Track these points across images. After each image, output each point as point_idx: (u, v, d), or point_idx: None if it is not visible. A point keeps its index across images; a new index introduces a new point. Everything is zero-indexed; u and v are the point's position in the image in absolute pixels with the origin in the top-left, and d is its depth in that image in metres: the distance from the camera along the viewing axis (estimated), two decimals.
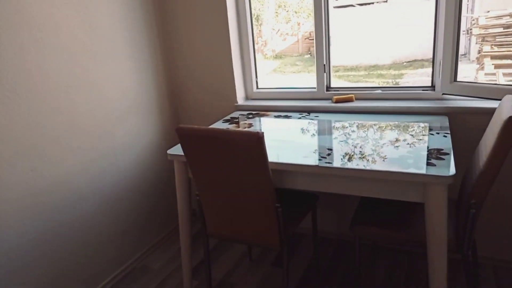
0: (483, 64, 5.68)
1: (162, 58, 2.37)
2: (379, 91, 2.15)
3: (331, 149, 1.58)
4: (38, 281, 1.71)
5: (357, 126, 1.85)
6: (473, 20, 6.31)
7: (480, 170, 1.40)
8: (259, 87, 2.47)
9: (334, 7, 10.17)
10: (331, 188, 1.49)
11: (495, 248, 1.99)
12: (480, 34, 5.91)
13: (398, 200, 1.47)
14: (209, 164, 1.49)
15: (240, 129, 1.36)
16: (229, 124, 2.08)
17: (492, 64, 5.55)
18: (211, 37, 2.30)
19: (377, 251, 2.19)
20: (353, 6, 9.91)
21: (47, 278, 1.75)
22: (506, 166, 1.86)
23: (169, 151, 1.71)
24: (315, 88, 2.28)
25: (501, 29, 5.57)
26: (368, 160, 1.44)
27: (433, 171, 1.30)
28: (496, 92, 1.74)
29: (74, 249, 1.87)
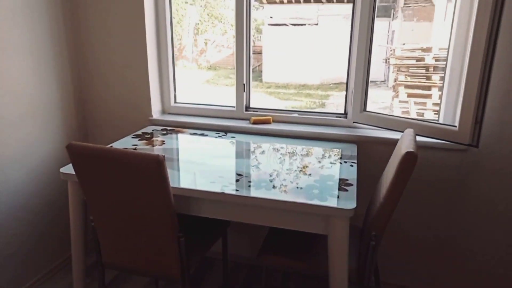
0: (398, 92, 6.15)
1: (69, 58, 2.15)
2: (295, 114, 2.16)
3: (241, 175, 1.52)
4: None
5: (271, 150, 1.83)
6: (391, 50, 6.84)
7: (380, 203, 1.43)
8: (177, 101, 2.36)
9: (269, 24, 10.44)
10: (237, 217, 1.43)
11: (398, 275, 2.08)
12: (396, 64, 6.41)
13: None
14: (104, 187, 1.34)
15: (139, 150, 1.24)
16: (138, 140, 1.93)
17: (406, 93, 6.04)
18: (127, 42, 2.14)
19: (288, 276, 2.17)
20: (287, 25, 10.25)
21: None
22: (405, 197, 1.96)
23: (62, 170, 1.52)
24: (234, 107, 2.23)
25: (414, 61, 6.09)
26: (276, 188, 1.40)
27: (335, 203, 1.30)
28: (400, 125, 1.83)
29: None
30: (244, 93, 2.19)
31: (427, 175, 1.90)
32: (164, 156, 1.25)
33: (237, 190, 1.38)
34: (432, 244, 1.99)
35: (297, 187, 1.42)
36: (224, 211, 1.43)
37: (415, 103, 5.93)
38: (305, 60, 9.60)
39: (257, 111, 2.22)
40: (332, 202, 1.30)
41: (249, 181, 1.46)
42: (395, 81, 6.39)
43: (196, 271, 2.18)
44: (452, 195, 1.90)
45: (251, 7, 2.10)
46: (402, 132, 1.82)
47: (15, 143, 1.86)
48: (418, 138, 1.86)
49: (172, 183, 1.42)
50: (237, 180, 1.47)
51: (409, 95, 6.10)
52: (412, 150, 1.33)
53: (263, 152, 1.81)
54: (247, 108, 2.24)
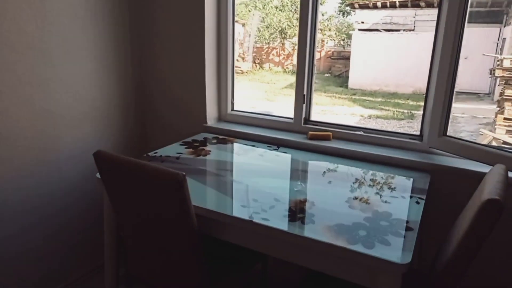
0: (503, 107, 5.33)
1: (130, 61, 2.16)
2: (360, 132, 1.89)
3: (278, 200, 1.33)
4: None
5: (322, 173, 1.60)
6: (498, 61, 5.96)
7: (448, 258, 1.12)
8: (234, 109, 2.24)
9: (359, 29, 9.94)
10: (267, 250, 1.24)
11: None
12: (503, 76, 5.56)
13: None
14: (126, 198, 1.26)
15: (162, 167, 1.13)
16: (185, 147, 1.85)
17: None
18: (186, 47, 2.08)
19: None
20: (379, 31, 9.65)
21: None
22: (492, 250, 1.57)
23: (98, 175, 1.49)
24: (292, 119, 2.04)
25: None
26: (314, 223, 1.18)
27: (383, 253, 1.04)
28: (488, 157, 1.47)
29: None
30: (304, 105, 1.98)
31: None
32: (184, 175, 1.11)
33: (266, 220, 1.19)
34: None
35: (341, 224, 1.18)
36: (253, 240, 1.25)
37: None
38: (397, 67, 8.93)
39: (317, 125, 2.00)
40: (379, 251, 1.04)
41: (286, 210, 1.26)
42: (500, 95, 5.56)
43: None
44: None
45: (318, 11, 1.88)
46: (490, 165, 1.45)
47: (72, 142, 1.91)
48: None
49: (199, 202, 1.28)
50: (272, 207, 1.28)
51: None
52: (496, 197, 1.00)
53: (312, 173, 1.59)
54: (306, 121, 2.03)
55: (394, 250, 1.05)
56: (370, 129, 1.90)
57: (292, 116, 2.04)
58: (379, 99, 8.74)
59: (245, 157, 1.77)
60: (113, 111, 2.11)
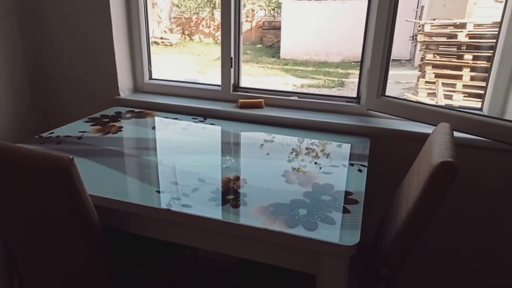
0: (424, 71, 5.55)
1: (17, 20, 1.75)
2: (295, 97, 1.71)
3: (203, 180, 1.10)
4: None
5: (255, 145, 1.40)
6: (419, 26, 6.16)
7: (396, 230, 0.99)
8: (152, 77, 1.94)
9: None
10: (192, 242, 1.02)
11: None
12: (424, 41, 5.76)
13: None
14: (5, 197, 0.96)
15: (43, 149, 0.84)
16: (91, 124, 1.54)
17: (433, 73, 5.44)
18: (87, 11, 1.72)
19: None
20: (309, 0, 9.57)
21: None
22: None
23: None
24: (220, 86, 1.80)
25: (444, 39, 5.47)
26: (246, 205, 0.98)
27: (327, 235, 0.87)
28: (430, 116, 1.37)
29: None
30: (232, 69, 1.75)
31: (468, 182, 1.44)
32: (72, 159, 0.84)
33: (188, 207, 0.97)
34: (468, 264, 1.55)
35: (277, 203, 0.99)
36: (173, 232, 1.03)
37: (443, 84, 5.35)
38: (326, 36, 8.96)
39: (248, 92, 1.78)
40: (322, 233, 0.88)
41: (212, 192, 1.04)
42: (422, 60, 5.79)
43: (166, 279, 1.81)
44: (501, 207, 1.44)
45: None
46: (433, 125, 1.36)
47: None
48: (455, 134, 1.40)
49: (101, 191, 1.02)
50: (195, 189, 1.05)
51: (437, 76, 5.51)
52: (449, 159, 0.87)
53: (243, 146, 1.39)
54: (236, 87, 1.80)
55: (340, 229, 0.89)
56: (305, 93, 1.73)
57: (219, 83, 1.80)
58: (310, 69, 8.77)
59: (165, 131, 1.51)
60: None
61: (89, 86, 1.86)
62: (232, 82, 1.77)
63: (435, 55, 5.51)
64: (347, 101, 1.66)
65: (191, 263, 1.60)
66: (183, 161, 1.23)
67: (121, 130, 1.48)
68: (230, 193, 1.04)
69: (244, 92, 1.78)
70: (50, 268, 1.07)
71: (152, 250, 1.28)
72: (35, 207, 0.92)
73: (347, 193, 1.06)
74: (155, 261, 1.23)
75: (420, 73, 5.65)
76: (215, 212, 0.95)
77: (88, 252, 0.98)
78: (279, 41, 9.96)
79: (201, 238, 1.00)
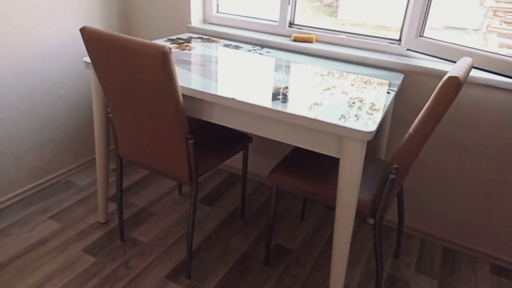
0: (487, 40, 5.36)
1: None
2: (343, 36, 1.94)
3: (259, 85, 1.41)
4: None
5: (302, 68, 1.67)
6: None
7: (408, 134, 1.26)
8: (219, 11, 2.23)
9: None
10: (245, 126, 1.35)
11: (424, 221, 1.92)
12: (491, 6, 5.51)
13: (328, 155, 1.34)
14: (114, 75, 1.32)
15: (147, 40, 1.18)
16: (170, 43, 1.88)
17: (497, 42, 5.24)
18: None
19: (310, 204, 2.11)
20: None
21: None
22: (451, 143, 1.73)
23: (85, 58, 1.53)
24: (277, 21, 2.06)
25: None
26: (290, 101, 1.28)
27: (351, 124, 1.15)
28: (461, 54, 1.56)
29: None
30: (289, 6, 1.99)
31: (483, 120, 1.64)
32: (170, 49, 1.17)
33: (246, 99, 1.28)
34: (477, 194, 1.78)
35: (316, 104, 1.28)
36: (233, 119, 1.35)
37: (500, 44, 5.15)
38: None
39: (301, 29, 2.03)
40: (347, 122, 1.16)
41: (266, 92, 1.35)
42: (486, 28, 5.56)
43: (219, 185, 2.20)
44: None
45: None
46: None
47: (53, 35, 1.91)
48: (479, 74, 1.58)
49: (184, 83, 1.36)
50: (253, 89, 1.36)
51: (501, 45, 5.31)
52: (456, 75, 1.11)
53: (293, 68, 1.66)
54: (291, 24, 2.05)
55: (361, 122, 1.17)
56: (352, 33, 1.95)
57: (277, 19, 2.05)
58: (368, 31, 8.61)
59: (230, 53, 1.82)
60: (93, 5, 2.07)
61: (167, 12, 2.19)
62: (288, 19, 2.02)
63: (502, 22, 5.28)
64: (389, 42, 1.86)
65: (243, 162, 1.96)
66: (244, 72, 1.54)
67: (194, 49, 1.81)
68: (280, 94, 1.34)
69: (298, 28, 2.03)
70: (141, 140, 1.45)
71: (225, 137, 1.64)
72: (139, 86, 1.28)
73: (372, 104, 1.32)
74: (224, 145, 1.59)
75: (484, 42, 5.46)
76: (268, 103, 1.26)
77: (171, 123, 1.34)
78: (338, 0, 9.77)
79: (254, 124, 1.32)
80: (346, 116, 1.21)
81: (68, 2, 1.92)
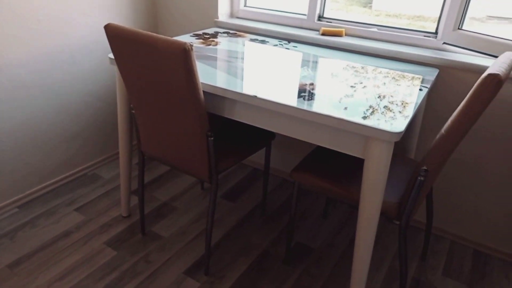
0: None
1: None
2: (374, 29, 1.85)
3: (284, 82, 1.36)
4: None
5: (331, 64, 1.60)
6: None
7: (440, 135, 1.17)
8: (247, 4, 2.19)
9: None
10: (268, 125, 1.30)
11: (454, 222, 1.81)
12: None
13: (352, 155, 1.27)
14: (136, 71, 1.31)
15: (169, 37, 1.15)
16: (196, 38, 1.85)
17: None
18: None
19: (334, 203, 2.05)
20: None
21: None
22: (494, 140, 1.61)
23: (110, 55, 1.53)
24: (305, 15, 1.99)
25: None
26: (316, 100, 1.22)
27: (376, 123, 1.09)
28: (501, 49, 1.44)
29: (21, 146, 1.80)
30: (319, 0, 1.92)
31: None
32: (192, 45, 1.14)
33: (270, 96, 1.24)
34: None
35: (341, 102, 1.22)
36: (255, 117, 1.31)
37: None
38: None
39: (331, 22, 1.95)
40: (374, 122, 1.09)
41: (291, 89, 1.30)
42: None
43: (241, 180, 2.17)
44: None
45: None
46: None
47: (82, 31, 1.93)
48: None
49: (205, 80, 1.33)
50: (277, 86, 1.32)
51: None
52: (497, 72, 1.01)
53: (321, 64, 1.60)
54: (320, 17, 1.98)
55: (389, 122, 1.10)
56: (384, 26, 1.85)
57: (305, 12, 1.99)
58: (404, 21, 8.30)
59: (255, 48, 1.77)
60: (121, 1, 2.08)
61: (194, 6, 2.17)
62: (317, 12, 1.95)
63: None
64: (425, 35, 1.75)
65: (265, 160, 1.92)
66: (270, 69, 1.49)
67: (219, 44, 1.78)
68: (304, 91, 1.29)
69: (327, 21, 1.96)
70: (163, 136, 1.44)
71: (241, 135, 1.61)
72: (161, 82, 1.26)
73: (402, 102, 1.24)
74: (245, 141, 1.56)
75: None
76: (290, 101, 1.21)
77: (191, 120, 1.31)
78: None
79: (276, 123, 1.27)
80: (373, 115, 1.14)
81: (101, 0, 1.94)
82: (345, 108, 1.17)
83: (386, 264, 1.67)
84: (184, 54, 1.13)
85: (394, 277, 1.61)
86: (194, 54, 1.16)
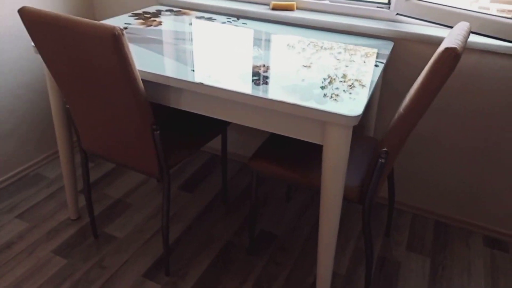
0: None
1: None
2: (326, 1, 1.75)
3: (233, 64, 1.25)
4: None
5: (282, 42, 1.50)
6: None
7: (399, 114, 1.12)
8: None
9: None
10: (219, 114, 1.20)
11: (415, 195, 1.82)
12: None
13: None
14: (63, 63, 1.15)
15: (96, 21, 1.00)
16: (135, 18, 1.68)
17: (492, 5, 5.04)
18: None
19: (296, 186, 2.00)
20: None
21: None
22: (447, 112, 1.60)
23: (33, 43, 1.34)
24: None
25: None
26: (267, 84, 1.13)
27: (333, 107, 1.01)
28: (456, 18, 1.40)
29: None
30: None
31: (478, 88, 1.51)
32: (122, 30, 1.00)
33: (218, 82, 1.13)
34: (472, 170, 1.67)
35: (295, 84, 1.13)
36: (204, 105, 1.20)
37: (498, 10, 4.98)
38: None
39: None
40: (330, 106, 1.02)
41: (240, 73, 1.19)
42: None
43: (199, 169, 2.07)
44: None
45: None
46: None
47: (7, 14, 1.70)
48: (478, 39, 1.43)
49: (145, 67, 1.20)
50: (226, 71, 1.20)
51: (493, 1, 5.11)
52: (454, 46, 0.96)
53: (271, 42, 1.49)
54: None
55: (346, 105, 1.03)
56: None
57: None
58: None
59: (201, 27, 1.63)
60: None
61: None
62: None
63: None
64: (377, 7, 1.68)
65: (222, 149, 1.82)
66: (217, 50, 1.37)
67: (161, 24, 1.62)
68: (256, 75, 1.19)
69: None
70: (104, 133, 1.30)
71: (189, 125, 1.49)
72: (92, 74, 1.11)
73: (358, 81, 1.18)
74: (191, 133, 1.45)
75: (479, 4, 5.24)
76: (241, 87, 1.10)
77: (132, 113, 1.18)
78: None
79: (227, 111, 1.17)
80: (329, 99, 1.06)
81: None
82: (299, 91, 1.09)
83: (351, 244, 1.65)
84: (113, 40, 0.99)
85: (360, 257, 1.60)
86: (127, 38, 1.02)
